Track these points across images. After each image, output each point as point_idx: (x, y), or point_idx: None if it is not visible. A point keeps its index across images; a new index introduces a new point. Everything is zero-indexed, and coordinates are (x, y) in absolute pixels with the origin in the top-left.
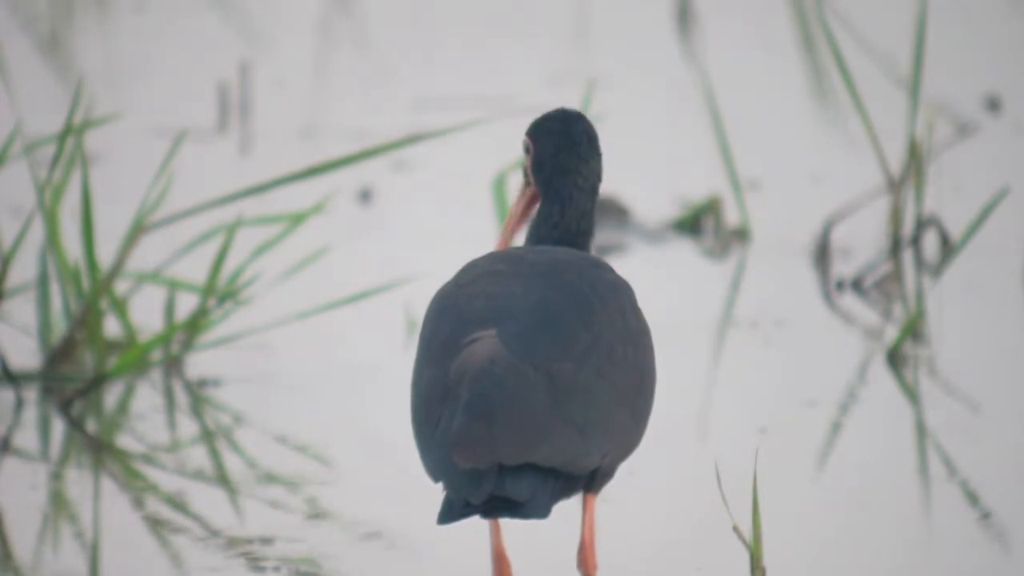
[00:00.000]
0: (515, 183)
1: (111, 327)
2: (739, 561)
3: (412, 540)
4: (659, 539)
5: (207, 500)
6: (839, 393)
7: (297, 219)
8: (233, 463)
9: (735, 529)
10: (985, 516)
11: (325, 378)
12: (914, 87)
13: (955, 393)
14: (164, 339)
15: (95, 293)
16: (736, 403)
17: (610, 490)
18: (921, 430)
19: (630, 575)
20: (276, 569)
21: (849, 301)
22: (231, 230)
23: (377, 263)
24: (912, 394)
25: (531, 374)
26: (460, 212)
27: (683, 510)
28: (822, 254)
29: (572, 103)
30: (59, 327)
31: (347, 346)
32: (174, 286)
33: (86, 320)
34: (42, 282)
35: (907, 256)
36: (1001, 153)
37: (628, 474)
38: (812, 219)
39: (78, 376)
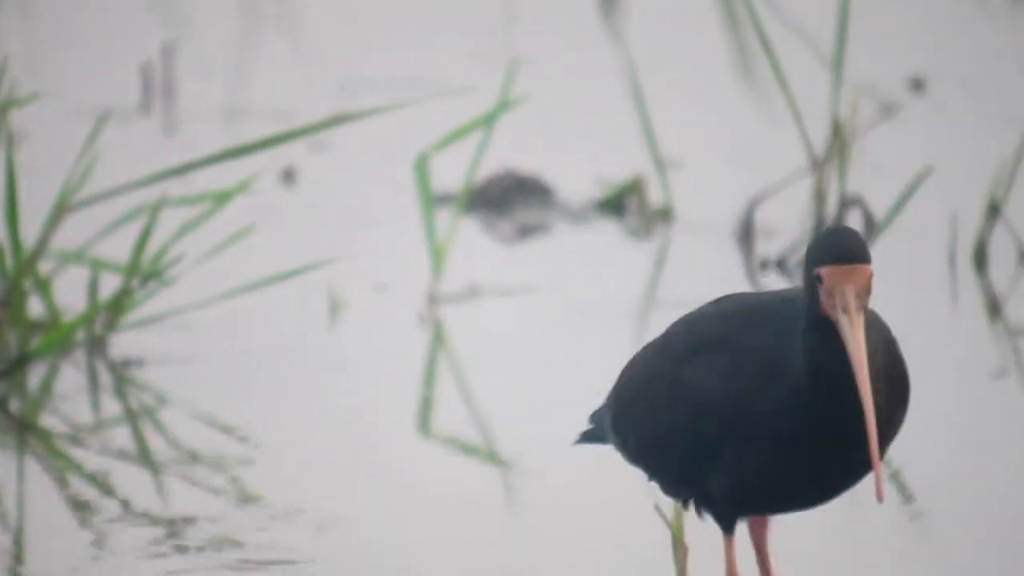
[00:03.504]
0: (439, 164)
1: (35, 307)
2: (663, 540)
3: (335, 519)
4: (585, 519)
5: (131, 480)
6: None
7: (220, 199)
8: (157, 443)
9: (656, 508)
10: (908, 500)
11: (249, 358)
12: (837, 66)
13: None
14: (88, 319)
15: (19, 273)
16: None
17: (540, 469)
18: None
19: (554, 552)
20: (200, 549)
21: (773, 280)
22: (155, 210)
23: (301, 244)
24: None
25: None
26: (384, 193)
27: (610, 490)
28: (746, 234)
29: (496, 84)
30: None
31: (271, 326)
32: (98, 266)
33: (9, 300)
34: None
35: None
36: (925, 133)
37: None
38: (736, 199)
39: (1, 356)
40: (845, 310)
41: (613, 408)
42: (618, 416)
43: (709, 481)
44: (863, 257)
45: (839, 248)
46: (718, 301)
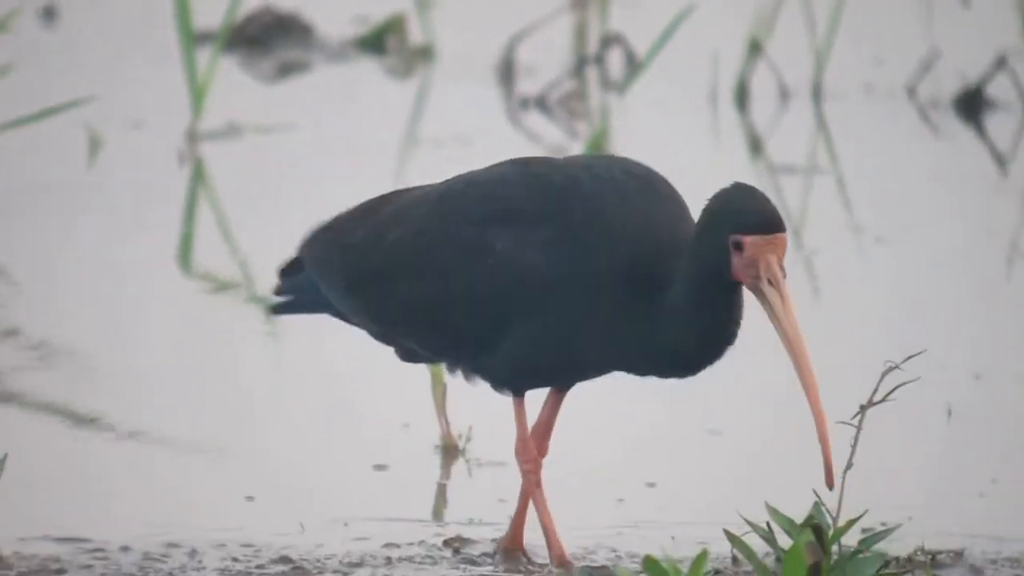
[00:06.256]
0: (199, 2)
1: None
2: (422, 378)
3: (95, 356)
4: (345, 357)
5: None
6: None
7: None
8: None
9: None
10: None
11: (8, 197)
12: None
13: None
14: None
15: None
16: None
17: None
18: None
19: (314, 390)
20: None
21: (534, 118)
22: None
23: (61, 82)
24: None
25: None
26: (144, 32)
27: (358, 344)
28: (507, 72)
29: None
30: None
31: (30, 165)
32: None
33: None
34: None
35: (592, 74)
36: None
37: None
38: (497, 37)
39: None
40: (774, 282)
41: (348, 272)
42: (362, 280)
43: (492, 352)
44: (784, 226)
45: (765, 217)
46: (516, 164)
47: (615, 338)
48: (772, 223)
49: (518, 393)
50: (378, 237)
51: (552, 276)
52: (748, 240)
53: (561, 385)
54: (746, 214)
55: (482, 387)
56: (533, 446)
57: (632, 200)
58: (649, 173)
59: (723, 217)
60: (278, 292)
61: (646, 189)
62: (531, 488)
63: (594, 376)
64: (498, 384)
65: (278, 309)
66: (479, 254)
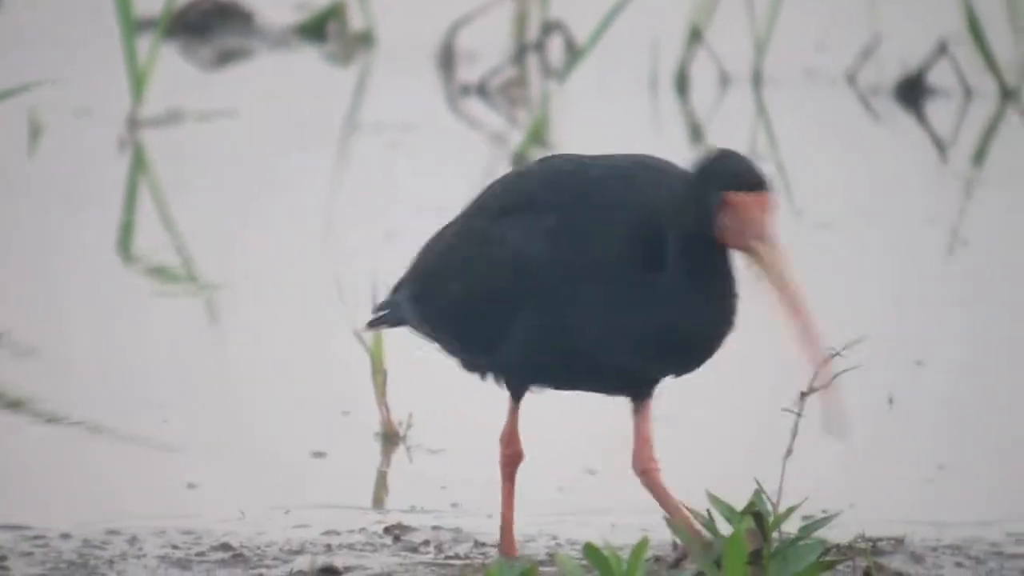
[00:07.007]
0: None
1: None
2: (363, 364)
3: (36, 346)
4: (288, 344)
5: None
6: (466, 197)
7: None
8: None
9: (356, 334)
10: None
11: None
12: None
13: None
14: None
15: None
16: (362, 208)
17: (241, 293)
18: None
19: (256, 376)
20: None
21: (474, 105)
22: None
23: (4, 69)
24: None
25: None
26: (85, 18)
27: (311, 316)
28: (447, 59)
29: None
30: None
31: None
32: None
33: None
34: None
35: (532, 61)
36: None
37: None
38: (437, 24)
39: None
40: (763, 238)
41: (416, 281)
42: (421, 287)
43: (501, 348)
44: (771, 187)
45: (752, 175)
46: (542, 161)
47: (620, 322)
48: (759, 182)
49: (519, 390)
50: (433, 248)
51: (555, 263)
52: (736, 198)
53: (567, 388)
54: (733, 173)
55: (422, 373)
56: (519, 441)
57: (636, 185)
58: (659, 162)
59: (711, 177)
60: (378, 308)
61: (654, 174)
62: (503, 479)
63: (603, 385)
64: (507, 379)
65: (372, 324)
66: (486, 246)
